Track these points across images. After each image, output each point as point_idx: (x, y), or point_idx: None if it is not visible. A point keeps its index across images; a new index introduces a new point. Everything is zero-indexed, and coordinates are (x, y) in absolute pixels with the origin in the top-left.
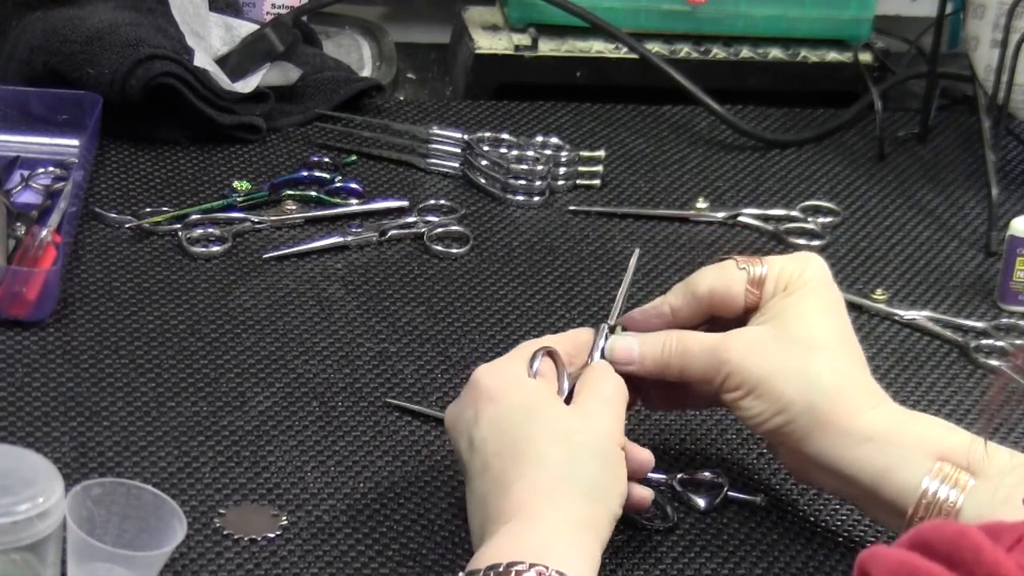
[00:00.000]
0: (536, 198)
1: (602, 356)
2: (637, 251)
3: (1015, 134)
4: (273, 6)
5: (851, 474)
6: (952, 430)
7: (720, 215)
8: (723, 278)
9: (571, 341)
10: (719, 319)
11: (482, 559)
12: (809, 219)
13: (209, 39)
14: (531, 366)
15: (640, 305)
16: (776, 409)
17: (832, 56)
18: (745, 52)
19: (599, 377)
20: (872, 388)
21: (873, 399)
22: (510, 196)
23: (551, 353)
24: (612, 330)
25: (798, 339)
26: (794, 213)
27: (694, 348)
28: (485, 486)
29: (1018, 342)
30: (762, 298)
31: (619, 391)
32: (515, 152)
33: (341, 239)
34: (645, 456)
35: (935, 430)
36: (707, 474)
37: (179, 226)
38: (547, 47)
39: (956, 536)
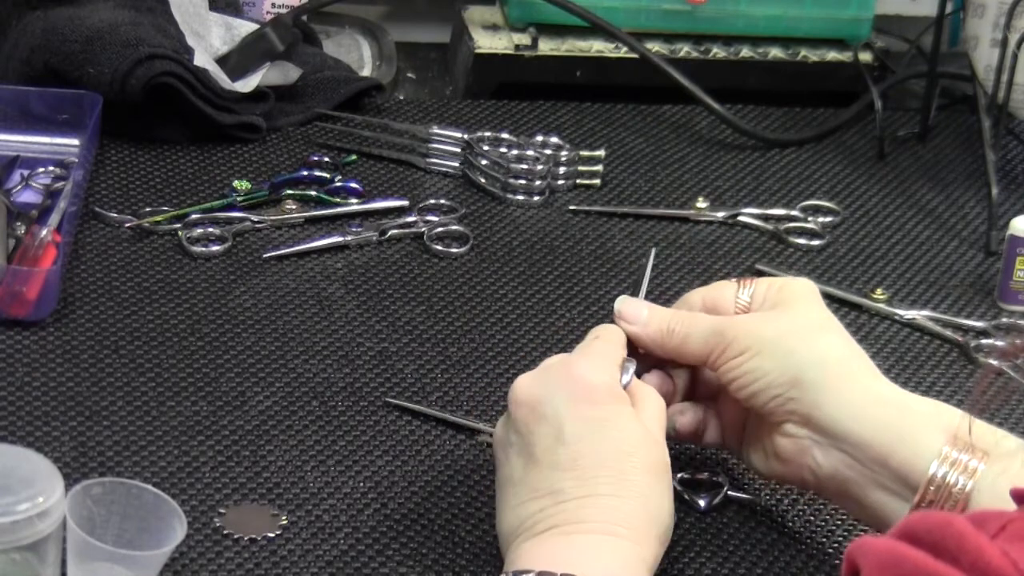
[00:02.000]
0: (536, 198)
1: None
2: (653, 251)
3: (1015, 134)
4: (273, 5)
5: (864, 439)
6: (960, 412)
7: (720, 215)
8: (713, 288)
9: (623, 339)
10: None
11: (553, 557)
12: (809, 219)
13: (209, 38)
14: (622, 376)
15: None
16: (783, 367)
17: (832, 56)
18: (745, 52)
19: (651, 399)
20: (874, 366)
21: (877, 373)
22: (510, 196)
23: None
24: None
25: (799, 316)
26: (794, 213)
27: (700, 321)
28: (566, 481)
29: (1018, 341)
30: (751, 308)
31: (664, 412)
32: (515, 152)
33: (341, 239)
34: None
35: (946, 407)
36: (707, 474)
37: (179, 226)
38: (547, 47)
39: (941, 524)
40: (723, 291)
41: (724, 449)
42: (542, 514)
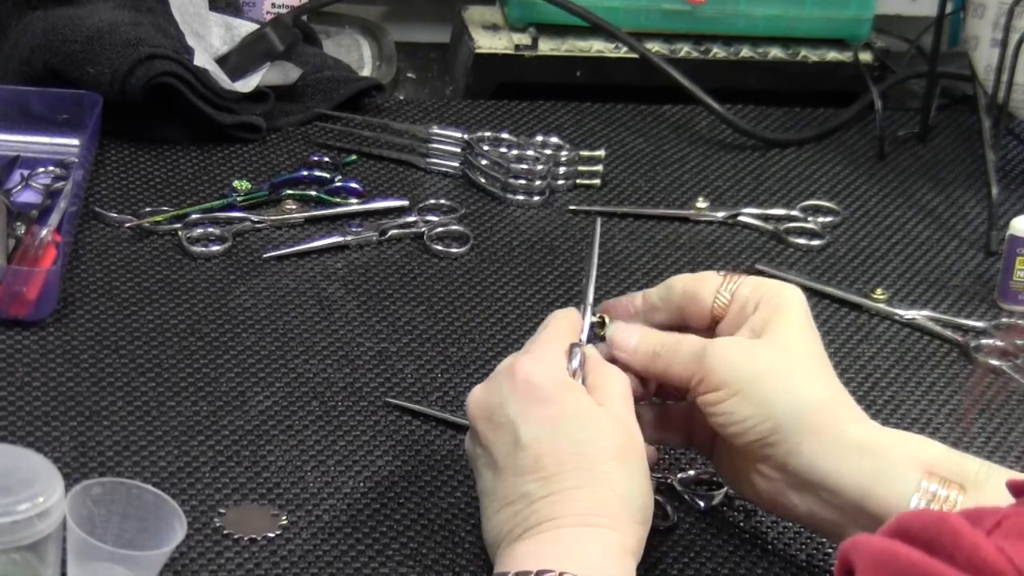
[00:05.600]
0: (536, 198)
1: (589, 340)
2: (599, 220)
3: (1015, 134)
4: (273, 5)
5: (840, 486)
6: (934, 444)
7: (720, 215)
8: (697, 278)
9: (573, 324)
10: (690, 329)
11: (531, 558)
12: (809, 219)
13: (209, 38)
14: (569, 363)
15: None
16: (763, 414)
17: (832, 56)
18: (745, 52)
19: (613, 378)
20: (853, 405)
21: (855, 414)
22: (510, 196)
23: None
24: (595, 313)
25: (780, 349)
26: (794, 213)
27: (683, 346)
28: (532, 484)
29: (1018, 341)
30: (730, 310)
31: (629, 390)
32: (515, 152)
33: (341, 239)
34: (651, 454)
35: (919, 443)
36: (707, 474)
37: (179, 226)
38: (547, 46)
39: (936, 522)
40: (705, 284)
41: (692, 449)
42: (516, 519)
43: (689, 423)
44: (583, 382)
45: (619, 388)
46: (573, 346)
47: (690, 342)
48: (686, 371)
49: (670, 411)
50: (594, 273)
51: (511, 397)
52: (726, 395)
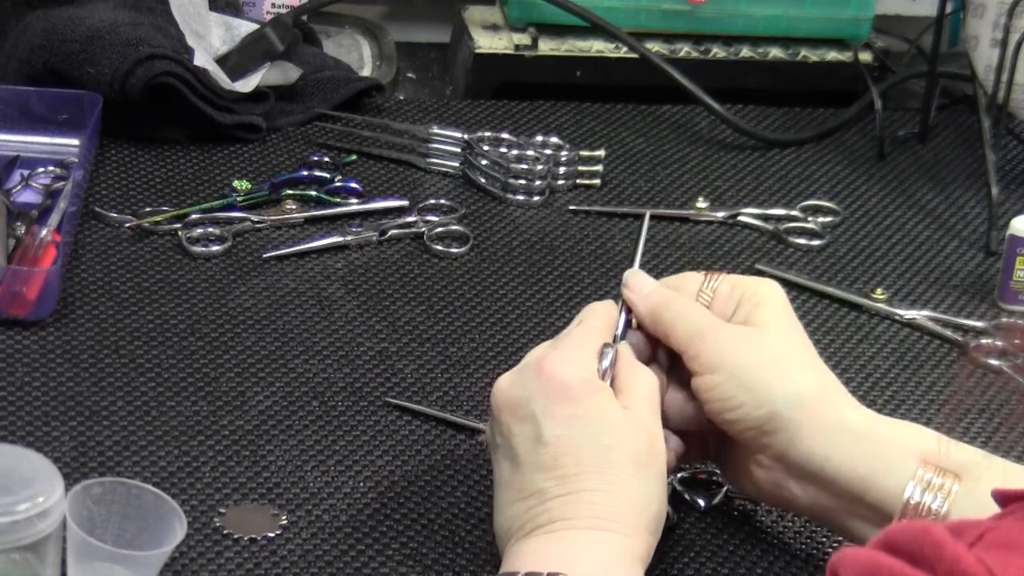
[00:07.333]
0: (536, 198)
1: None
2: (648, 214)
3: (1015, 134)
4: (273, 5)
5: (838, 475)
6: (930, 432)
7: (720, 215)
8: (679, 279)
9: (609, 320)
10: None
11: (540, 557)
12: (809, 219)
13: (209, 38)
14: (600, 364)
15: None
16: (760, 401)
17: (832, 56)
18: (745, 52)
19: (642, 379)
20: (845, 391)
21: (849, 400)
22: (510, 196)
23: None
24: (630, 312)
25: (773, 339)
26: (794, 213)
27: (691, 315)
28: (549, 481)
29: (1017, 341)
30: (713, 308)
31: (657, 392)
32: (515, 152)
33: (341, 239)
34: (672, 457)
35: (915, 431)
36: (707, 474)
37: (179, 226)
38: (547, 46)
39: (919, 534)
40: (687, 284)
41: (708, 462)
42: (529, 515)
43: (704, 439)
44: (611, 381)
45: (646, 391)
46: (605, 346)
47: (695, 316)
48: (682, 343)
49: (689, 435)
50: (638, 262)
51: (537, 392)
52: (722, 379)
